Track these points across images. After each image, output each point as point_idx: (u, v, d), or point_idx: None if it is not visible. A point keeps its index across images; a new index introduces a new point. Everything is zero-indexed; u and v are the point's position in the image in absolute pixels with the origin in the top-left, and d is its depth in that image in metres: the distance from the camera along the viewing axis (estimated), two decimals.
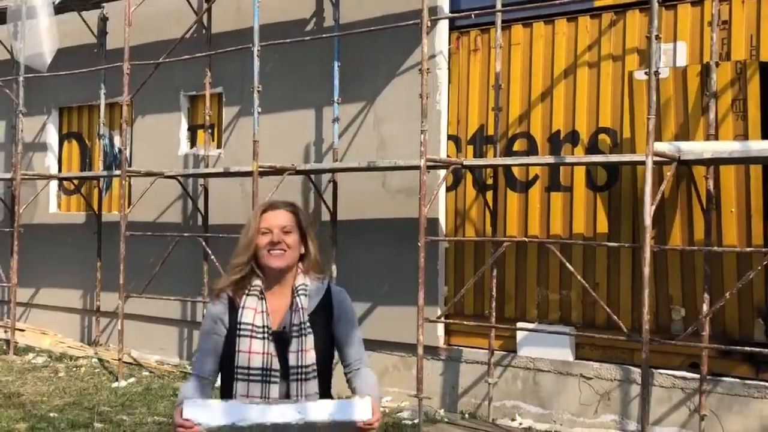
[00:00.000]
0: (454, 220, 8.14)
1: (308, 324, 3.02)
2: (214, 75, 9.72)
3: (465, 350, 7.91)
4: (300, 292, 3.07)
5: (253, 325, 3.02)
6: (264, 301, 3.06)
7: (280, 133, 9.05)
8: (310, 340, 3.01)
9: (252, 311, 3.04)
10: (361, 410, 2.85)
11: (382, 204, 8.42)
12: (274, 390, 3.00)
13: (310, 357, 3.01)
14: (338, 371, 3.20)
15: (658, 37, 5.99)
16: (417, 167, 7.17)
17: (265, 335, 3.01)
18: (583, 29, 7.45)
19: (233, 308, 3.07)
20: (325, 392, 3.10)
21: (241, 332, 3.02)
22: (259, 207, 3.17)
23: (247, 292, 3.07)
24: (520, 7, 7.42)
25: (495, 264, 7.46)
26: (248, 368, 3.00)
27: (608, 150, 7.26)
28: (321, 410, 2.84)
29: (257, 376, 2.99)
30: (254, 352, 3.00)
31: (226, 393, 3.06)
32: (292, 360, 3.01)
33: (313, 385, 3.02)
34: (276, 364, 3.00)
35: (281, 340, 3.04)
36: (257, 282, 3.08)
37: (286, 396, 3.01)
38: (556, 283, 7.53)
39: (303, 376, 3.00)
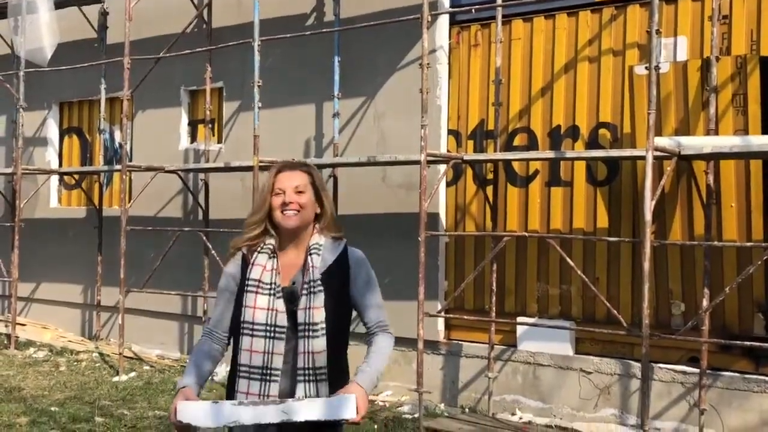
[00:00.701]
0: (454, 215, 8.15)
1: (319, 282, 3.05)
2: (215, 70, 9.72)
3: (465, 345, 7.92)
4: (313, 251, 3.11)
5: (260, 281, 3.07)
6: (275, 259, 3.11)
7: (280, 128, 9.05)
8: (319, 298, 3.04)
9: (261, 268, 3.09)
10: (346, 409, 2.89)
11: (383, 199, 8.43)
12: (279, 346, 3.03)
13: (319, 315, 3.04)
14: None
15: (658, 32, 5.98)
16: (417, 162, 7.17)
17: (272, 292, 3.06)
18: (584, 24, 7.45)
19: (245, 265, 3.14)
20: (339, 353, 3.13)
21: (248, 288, 3.08)
22: (274, 167, 3.20)
23: (259, 249, 3.13)
24: (521, 1, 7.41)
25: (495, 259, 7.47)
26: (252, 323, 3.05)
27: (608, 145, 7.27)
28: (307, 410, 2.88)
29: (261, 331, 3.04)
30: (259, 307, 3.05)
31: (234, 348, 3.12)
32: (300, 317, 3.04)
33: (321, 343, 3.04)
34: (282, 321, 3.05)
35: (290, 296, 3.08)
36: (270, 241, 3.14)
37: (293, 351, 3.04)
38: (556, 278, 7.54)
39: (311, 333, 3.03)
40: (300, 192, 3.10)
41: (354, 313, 3.24)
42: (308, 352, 3.02)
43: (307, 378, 3.02)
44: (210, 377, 3.28)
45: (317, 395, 3.02)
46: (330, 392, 3.04)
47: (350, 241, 3.27)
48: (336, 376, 3.10)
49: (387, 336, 3.20)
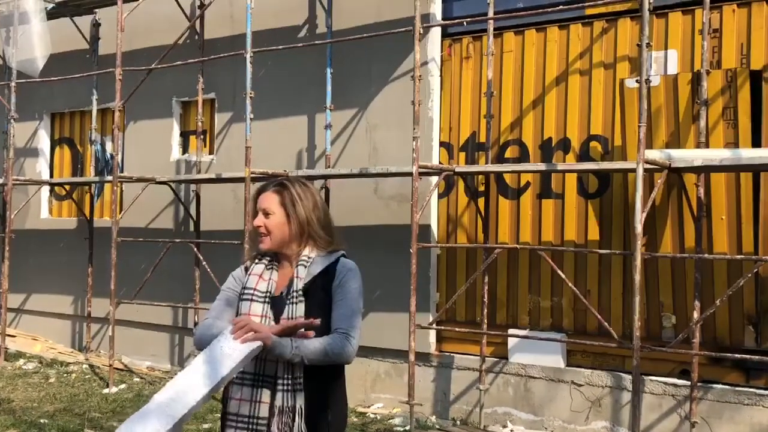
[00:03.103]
0: (446, 227, 8.16)
1: (300, 293, 3.10)
2: (207, 81, 9.72)
3: (456, 357, 7.91)
4: (301, 262, 3.17)
5: (255, 289, 3.16)
6: (272, 270, 3.20)
7: (272, 140, 9.05)
8: (300, 308, 3.09)
9: (257, 277, 3.19)
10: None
11: (375, 210, 8.43)
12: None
13: None
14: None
15: (649, 45, 6.02)
16: (409, 174, 7.19)
17: (266, 300, 3.14)
18: (575, 37, 7.48)
19: (246, 275, 3.25)
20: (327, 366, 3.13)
21: (244, 296, 3.17)
22: (256, 189, 3.31)
23: (257, 261, 3.24)
24: (512, 14, 7.44)
25: (487, 271, 7.47)
26: None
27: (599, 157, 7.29)
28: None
29: None
30: (254, 314, 3.11)
31: None
32: None
33: None
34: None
35: (277, 305, 3.13)
36: (270, 253, 3.23)
37: (275, 360, 3.06)
38: (547, 290, 7.54)
39: None
40: (268, 214, 3.18)
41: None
42: (286, 361, 3.03)
43: (285, 387, 3.04)
44: None
45: (294, 405, 3.03)
46: (309, 402, 3.04)
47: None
48: (326, 386, 3.11)
49: (341, 337, 3.05)
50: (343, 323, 3.08)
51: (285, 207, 3.18)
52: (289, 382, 3.04)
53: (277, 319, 3.10)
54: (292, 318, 3.07)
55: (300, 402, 3.04)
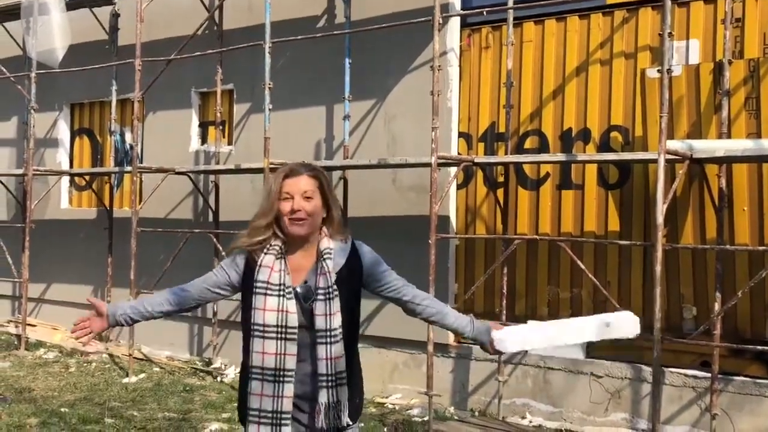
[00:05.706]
0: (464, 218, 8.14)
1: (335, 288, 3.05)
2: (226, 72, 9.73)
3: (475, 348, 7.90)
4: (326, 256, 3.08)
5: (268, 282, 3.05)
6: (283, 260, 3.09)
7: (290, 130, 9.05)
8: (336, 304, 3.04)
9: (268, 269, 3.07)
10: (631, 325, 3.02)
11: (393, 201, 8.42)
12: (291, 347, 3.02)
13: (337, 320, 3.04)
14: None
15: (670, 35, 5.97)
16: (428, 164, 7.17)
17: (281, 293, 3.05)
18: (596, 27, 7.43)
19: (250, 265, 3.12)
20: (352, 351, 3.16)
21: (257, 290, 3.06)
22: (281, 171, 3.17)
23: (265, 251, 3.10)
24: (532, 4, 7.39)
25: (506, 262, 7.45)
26: (263, 325, 3.04)
27: (620, 148, 7.24)
28: (595, 329, 3.08)
29: (272, 333, 3.03)
30: (269, 309, 3.04)
31: (245, 350, 3.12)
32: (320, 323, 3.03)
33: (340, 348, 3.05)
34: (293, 321, 3.04)
35: (304, 297, 3.07)
36: (277, 242, 3.11)
37: (312, 355, 3.04)
38: (567, 281, 7.51)
39: (331, 339, 3.03)
40: (308, 198, 3.07)
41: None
42: (329, 358, 3.03)
43: (329, 384, 3.04)
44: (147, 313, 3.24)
45: (338, 400, 3.04)
46: (349, 394, 3.07)
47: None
48: (349, 375, 3.12)
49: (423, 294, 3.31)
50: (416, 289, 3.28)
51: (323, 192, 3.12)
52: (333, 378, 3.03)
53: (305, 314, 3.05)
54: (330, 314, 3.02)
55: (344, 396, 3.05)
